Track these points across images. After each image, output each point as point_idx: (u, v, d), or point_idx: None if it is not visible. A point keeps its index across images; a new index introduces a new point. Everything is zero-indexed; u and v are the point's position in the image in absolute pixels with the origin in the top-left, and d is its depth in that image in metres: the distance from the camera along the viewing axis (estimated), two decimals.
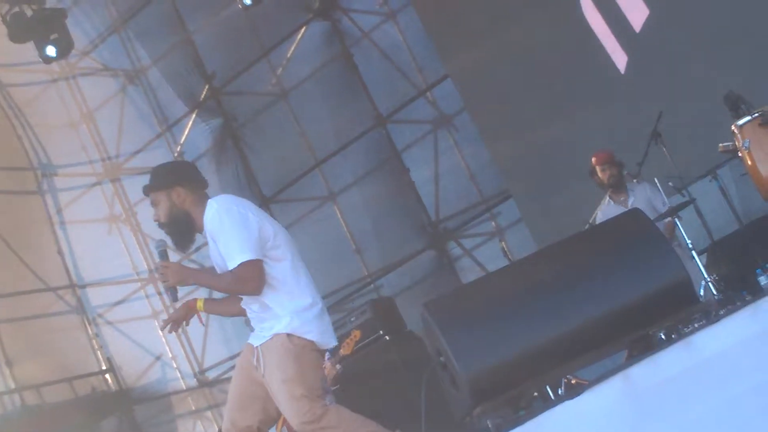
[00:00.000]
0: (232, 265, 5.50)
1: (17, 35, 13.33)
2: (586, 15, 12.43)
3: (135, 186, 17.06)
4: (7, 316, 14.80)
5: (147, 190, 5.75)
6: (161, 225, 5.72)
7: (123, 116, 17.24)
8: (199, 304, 5.86)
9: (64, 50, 13.62)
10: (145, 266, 17.08)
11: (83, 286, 16.13)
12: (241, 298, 5.83)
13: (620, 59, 12.19)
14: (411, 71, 15.35)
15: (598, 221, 9.46)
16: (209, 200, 5.71)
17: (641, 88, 11.86)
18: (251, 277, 5.52)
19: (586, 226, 9.33)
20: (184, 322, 5.87)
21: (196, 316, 5.89)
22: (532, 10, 12.75)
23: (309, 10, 15.63)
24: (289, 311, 5.66)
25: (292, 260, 5.75)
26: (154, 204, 5.74)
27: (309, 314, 5.70)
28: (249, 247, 5.50)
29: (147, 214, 16.63)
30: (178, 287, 5.64)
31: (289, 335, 5.63)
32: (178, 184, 5.67)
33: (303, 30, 15.78)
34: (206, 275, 5.90)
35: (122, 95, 17.33)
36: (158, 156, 17.00)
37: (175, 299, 5.71)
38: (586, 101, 12.35)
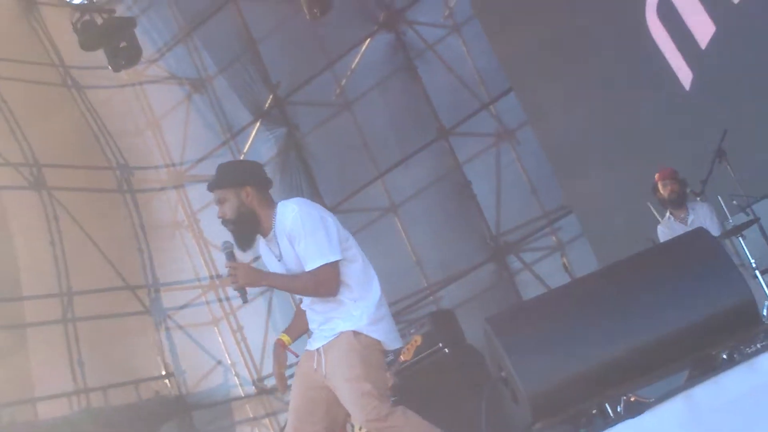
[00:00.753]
0: (311, 266, 5.51)
1: (87, 43, 13.55)
2: (651, 31, 12.39)
3: (198, 193, 17.26)
4: (85, 313, 14.92)
5: (214, 187, 5.72)
6: (226, 222, 5.69)
7: (188, 124, 17.38)
8: (285, 339, 5.89)
9: (132, 59, 13.78)
10: (206, 273, 17.20)
11: (157, 289, 16.24)
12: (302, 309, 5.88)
13: (685, 76, 12.13)
14: (474, 84, 15.38)
15: (660, 238, 9.43)
16: (282, 202, 5.70)
17: (706, 106, 11.79)
18: (330, 279, 5.54)
19: (649, 244, 9.29)
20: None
21: (289, 352, 5.90)
22: (597, 25, 12.75)
23: (374, 22, 15.72)
24: (358, 309, 5.65)
25: (363, 261, 5.76)
26: (220, 201, 5.69)
27: (377, 314, 5.69)
28: (330, 249, 5.51)
29: (209, 221, 16.97)
30: (247, 288, 5.58)
31: (355, 333, 5.62)
32: (247, 183, 5.65)
33: (368, 41, 15.88)
34: (279, 276, 5.71)
35: (187, 103, 17.49)
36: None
37: (245, 300, 5.66)
38: (651, 117, 12.29)
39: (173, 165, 17.49)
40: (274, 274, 5.69)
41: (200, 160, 17.25)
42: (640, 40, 12.37)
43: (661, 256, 5.41)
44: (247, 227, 5.65)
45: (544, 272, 14.64)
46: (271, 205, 5.69)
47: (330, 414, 5.77)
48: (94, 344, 14.89)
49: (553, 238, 15.07)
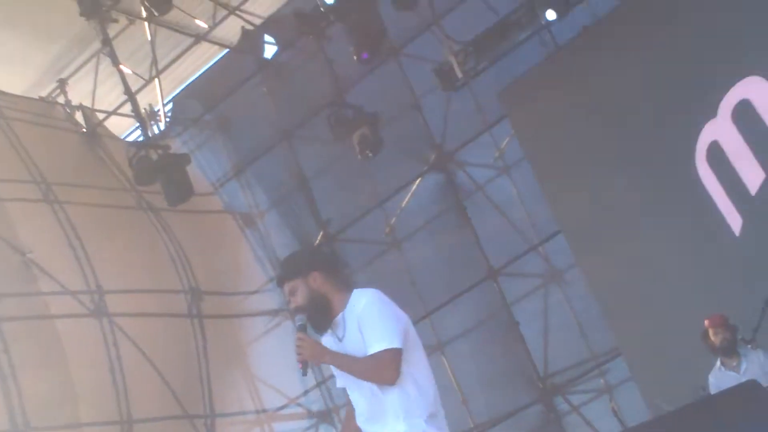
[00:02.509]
0: (374, 349, 5.36)
1: (143, 179, 13.76)
2: (700, 175, 12.46)
3: (246, 327, 17.31)
4: None
5: (283, 279, 5.69)
6: (299, 309, 5.59)
7: (240, 258, 17.52)
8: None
9: (183, 196, 13.86)
10: (253, 407, 17.13)
11: (213, 421, 16.19)
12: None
13: (735, 221, 12.15)
14: (524, 225, 15.46)
15: (711, 388, 9.32)
16: (359, 289, 5.62)
17: (756, 252, 11.77)
18: (390, 364, 5.36)
19: (699, 392, 9.20)
20: None
21: None
22: (645, 169, 12.84)
23: (425, 163, 15.92)
24: (419, 416, 5.43)
25: (426, 367, 5.58)
26: (291, 292, 5.63)
27: (437, 424, 5.49)
28: (396, 335, 5.37)
29: (257, 355, 16.98)
30: (310, 363, 5.49)
31: None
32: (314, 269, 5.60)
33: (418, 181, 16.06)
34: (343, 356, 5.49)
35: (239, 237, 17.66)
36: (272, 298, 17.25)
37: (305, 373, 5.52)
38: (701, 263, 12.29)
39: (224, 294, 17.52)
40: (337, 353, 5.50)
41: (250, 293, 17.33)
42: (689, 183, 12.44)
43: (712, 409, 5.39)
44: (321, 310, 5.56)
45: (592, 415, 14.52)
46: (343, 288, 5.62)
47: None
48: None
49: (602, 380, 14.95)
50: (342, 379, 5.66)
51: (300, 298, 5.56)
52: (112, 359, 14.81)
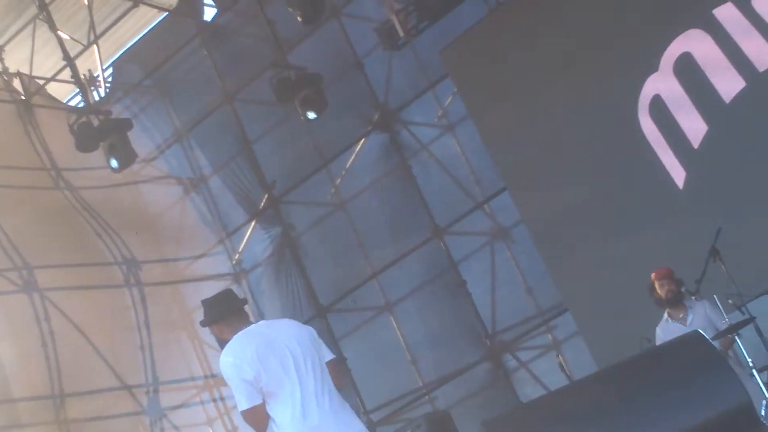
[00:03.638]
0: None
1: (84, 145, 13.61)
2: (643, 128, 12.50)
3: (193, 292, 17.22)
4: (76, 414, 14.79)
5: (201, 324, 6.33)
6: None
7: (183, 223, 17.41)
8: None
9: (126, 161, 13.79)
10: (201, 372, 17.09)
11: (156, 389, 16.10)
12: None
13: (678, 174, 12.21)
14: (469, 183, 15.47)
15: (657, 339, 9.38)
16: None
17: (700, 204, 11.87)
18: (253, 425, 5.97)
19: (644, 344, 9.26)
20: None
21: None
22: (590, 125, 12.86)
23: (368, 122, 15.85)
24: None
25: (285, 394, 5.94)
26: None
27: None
28: (242, 398, 5.90)
29: None
30: None
31: None
32: (212, 323, 6.19)
33: (362, 141, 15.99)
34: None
35: (183, 202, 17.55)
36: (218, 262, 17.18)
37: None
38: (645, 216, 12.35)
39: (166, 261, 17.43)
40: None
41: (196, 258, 17.25)
42: (633, 138, 12.47)
43: (657, 360, 5.41)
44: None
45: (540, 371, 14.60)
46: (239, 327, 6.12)
47: None
48: None
49: (549, 336, 15.03)
50: None
51: (218, 340, 6.22)
52: (44, 334, 14.70)
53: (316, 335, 6.20)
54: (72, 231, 16.06)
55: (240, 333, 6.02)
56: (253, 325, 6.09)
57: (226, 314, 6.18)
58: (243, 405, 5.86)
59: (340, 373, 6.26)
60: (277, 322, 6.28)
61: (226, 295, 6.34)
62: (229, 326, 6.12)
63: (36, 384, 14.48)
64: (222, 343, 6.10)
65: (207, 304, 6.27)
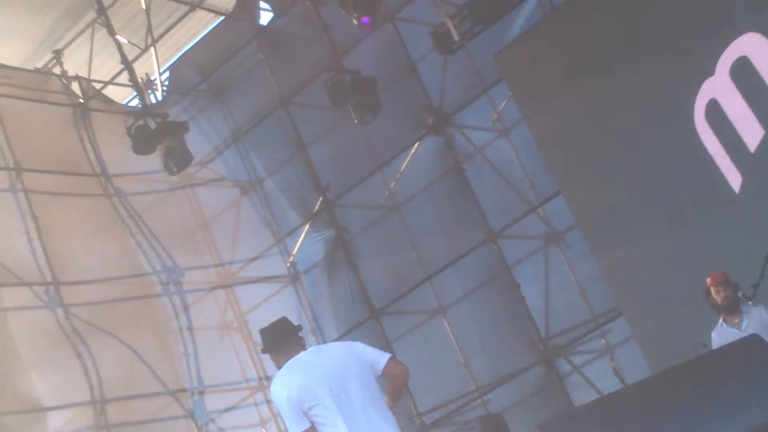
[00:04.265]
0: None
1: (141, 147, 13.73)
2: (699, 134, 12.44)
3: (247, 294, 17.35)
4: (121, 419, 14.94)
5: (262, 351, 6.62)
6: None
7: (238, 225, 17.53)
8: None
9: (183, 163, 13.92)
10: (255, 374, 17.19)
11: (201, 392, 16.21)
12: None
13: (735, 179, 12.13)
14: (523, 187, 15.47)
15: (713, 345, 9.32)
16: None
17: (756, 209, 11.77)
18: None
19: (700, 349, 9.20)
20: None
21: None
22: (645, 129, 12.80)
23: (423, 126, 15.88)
24: None
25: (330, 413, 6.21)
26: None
27: None
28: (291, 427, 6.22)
29: (258, 322, 16.99)
30: None
31: None
32: (269, 352, 6.49)
33: (416, 145, 16.02)
34: None
35: (238, 205, 17.67)
36: (271, 264, 17.28)
37: None
38: (700, 220, 12.28)
39: (222, 265, 17.56)
40: None
41: (251, 260, 17.37)
42: (690, 144, 12.41)
43: (714, 363, 5.39)
44: None
45: (593, 375, 14.55)
46: (290, 356, 6.38)
47: None
48: None
49: (603, 341, 14.99)
50: None
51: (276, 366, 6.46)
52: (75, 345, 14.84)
53: (361, 349, 6.43)
54: (113, 239, 16.17)
55: (289, 362, 6.31)
56: (302, 353, 6.34)
57: (278, 342, 6.45)
58: (293, 430, 6.17)
59: (400, 375, 6.47)
60: (325, 348, 6.55)
61: (280, 324, 6.58)
62: (281, 354, 6.40)
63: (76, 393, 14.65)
64: (279, 369, 6.36)
65: (263, 332, 6.56)
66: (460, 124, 15.82)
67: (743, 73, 12.12)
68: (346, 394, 6.15)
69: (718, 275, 9.42)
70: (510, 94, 15.01)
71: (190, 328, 16.58)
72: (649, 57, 12.82)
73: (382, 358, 6.36)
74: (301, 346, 6.40)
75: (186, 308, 16.65)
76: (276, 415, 16.99)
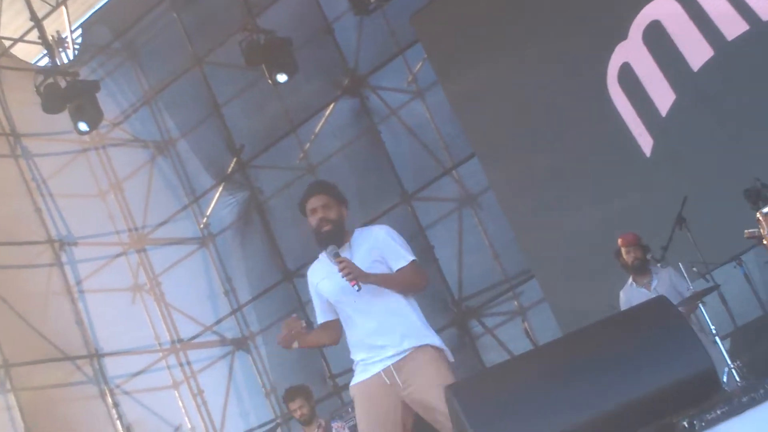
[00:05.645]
0: (403, 263, 6.16)
1: (51, 106, 13.49)
2: (612, 97, 12.54)
3: (160, 256, 17.20)
4: (26, 384, 14.77)
5: (324, 191, 6.39)
6: (328, 221, 6.21)
7: (151, 187, 17.35)
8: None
9: (94, 123, 13.74)
10: (168, 337, 17.08)
11: (102, 356, 16.04)
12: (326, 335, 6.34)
13: (646, 143, 12.28)
14: (438, 149, 15.46)
15: (621, 304, 9.46)
16: (363, 228, 6.40)
17: (667, 173, 11.94)
18: (423, 272, 6.34)
19: (610, 310, 9.32)
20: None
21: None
22: (559, 94, 12.89)
23: (338, 87, 15.80)
24: (428, 329, 6.37)
25: None
26: (325, 206, 6.27)
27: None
28: (413, 254, 6.22)
29: (171, 284, 16.89)
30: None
31: (440, 350, 6.24)
32: (346, 205, 6.39)
33: (332, 106, 15.94)
34: (383, 275, 6.15)
35: (151, 166, 17.48)
36: (184, 227, 17.17)
37: (359, 289, 5.93)
38: (612, 183, 12.41)
39: (135, 229, 17.38)
40: (378, 274, 6.10)
41: (162, 223, 17.20)
42: (602, 105, 12.52)
43: (622, 325, 5.44)
44: (339, 235, 6.21)
45: (505, 337, 14.67)
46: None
47: (400, 421, 6.04)
48: (42, 414, 14.71)
49: (515, 303, 15.10)
50: (350, 308, 6.17)
51: (333, 215, 6.24)
52: None
53: None
54: (17, 202, 15.92)
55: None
56: None
57: None
58: (414, 257, 6.20)
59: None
60: None
61: None
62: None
63: None
64: (340, 223, 6.24)
65: (337, 186, 6.49)
66: (375, 85, 15.75)
67: (656, 37, 12.24)
68: None
69: (629, 236, 9.57)
70: (426, 56, 14.97)
71: (82, 293, 16.36)
72: (564, 20, 12.90)
73: None
74: None
75: (78, 278, 16.43)
76: (188, 378, 16.93)
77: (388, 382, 6.01)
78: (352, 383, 6.23)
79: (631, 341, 5.02)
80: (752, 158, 10.94)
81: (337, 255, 6.02)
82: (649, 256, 9.51)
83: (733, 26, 11.72)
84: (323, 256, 6.25)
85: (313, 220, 6.26)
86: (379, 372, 6.05)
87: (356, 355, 6.20)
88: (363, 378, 6.13)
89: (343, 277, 5.90)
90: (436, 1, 14.23)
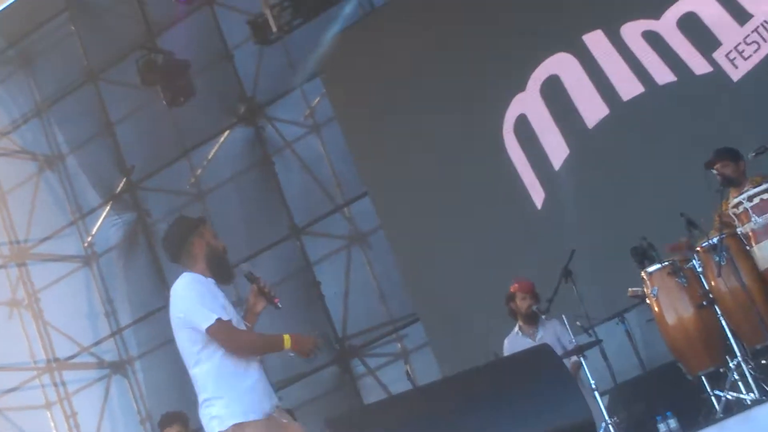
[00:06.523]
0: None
1: None
2: (507, 146, 12.64)
3: (41, 272, 16.82)
4: None
5: None
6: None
7: (36, 201, 16.97)
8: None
9: None
10: (43, 355, 16.66)
11: None
12: None
13: (538, 195, 12.38)
14: (330, 185, 15.41)
15: (505, 352, 9.45)
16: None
17: (556, 225, 12.04)
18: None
19: (494, 357, 9.31)
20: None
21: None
22: (455, 139, 12.94)
23: (234, 115, 15.65)
24: None
25: None
26: None
27: None
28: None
29: (50, 301, 16.51)
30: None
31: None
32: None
33: (226, 134, 15.78)
34: None
35: (37, 179, 17.09)
36: (68, 244, 16.81)
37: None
38: (502, 232, 12.48)
39: (17, 242, 16.96)
40: None
41: (46, 238, 16.82)
42: (498, 156, 12.60)
43: (504, 370, 5.42)
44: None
45: (387, 378, 14.63)
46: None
47: None
48: None
49: (399, 345, 15.08)
50: None
51: None
52: None
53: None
54: None
55: None
56: None
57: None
58: None
59: None
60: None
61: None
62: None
63: None
64: None
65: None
66: (271, 116, 15.64)
67: (553, 91, 12.38)
68: None
69: (526, 283, 9.58)
70: (324, 91, 14.93)
71: None
72: (465, 65, 12.96)
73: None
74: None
75: None
76: (62, 399, 16.54)
77: None
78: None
79: (513, 387, 5.00)
80: (640, 217, 11.09)
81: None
82: (534, 308, 9.50)
83: (629, 87, 11.92)
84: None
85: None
86: None
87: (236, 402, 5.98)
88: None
89: None
90: (339, 36, 14.17)
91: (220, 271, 5.97)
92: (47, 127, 17.02)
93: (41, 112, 16.94)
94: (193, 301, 5.76)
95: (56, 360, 16.61)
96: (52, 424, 16.47)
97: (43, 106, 16.89)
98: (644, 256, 8.58)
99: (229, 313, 5.83)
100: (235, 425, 5.70)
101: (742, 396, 7.57)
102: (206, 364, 5.75)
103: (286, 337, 5.85)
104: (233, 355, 5.76)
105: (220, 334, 5.73)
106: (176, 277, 6.16)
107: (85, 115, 16.43)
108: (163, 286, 15.46)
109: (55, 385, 16.60)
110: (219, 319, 5.69)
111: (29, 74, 17.03)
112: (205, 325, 5.68)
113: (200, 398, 5.82)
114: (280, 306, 5.73)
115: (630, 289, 8.80)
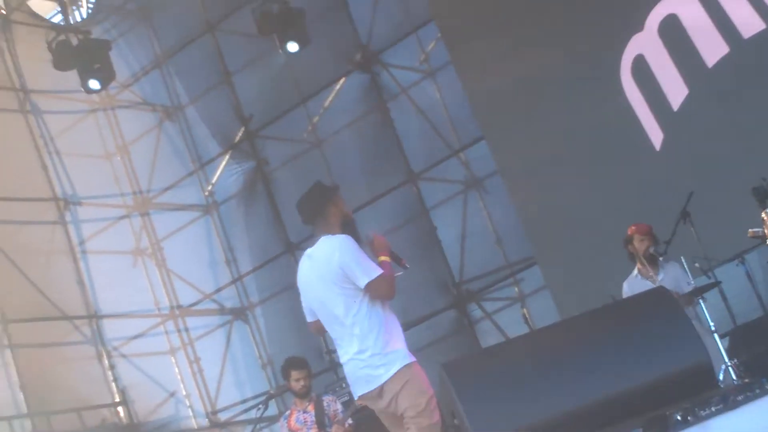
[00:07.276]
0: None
1: (62, 63, 13.37)
2: (625, 88, 12.47)
3: (164, 221, 17.17)
4: (24, 341, 14.76)
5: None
6: None
7: (157, 151, 17.30)
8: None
9: (105, 82, 13.67)
10: (167, 302, 17.05)
11: (101, 317, 16.02)
12: None
13: (656, 136, 12.21)
14: (446, 130, 15.38)
15: (624, 294, 9.37)
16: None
17: (675, 167, 11.87)
18: None
19: (611, 299, 9.26)
20: None
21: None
22: (572, 81, 12.80)
23: (350, 62, 15.72)
24: None
25: None
26: None
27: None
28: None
29: (172, 249, 16.86)
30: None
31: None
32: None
33: (342, 81, 15.87)
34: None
35: (158, 130, 17.41)
36: (189, 193, 17.12)
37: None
38: (620, 174, 12.35)
39: (140, 192, 17.32)
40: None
41: (167, 188, 17.15)
42: (615, 98, 12.44)
43: (621, 313, 5.41)
44: None
45: (504, 322, 14.61)
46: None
47: None
48: (37, 371, 14.72)
49: (516, 289, 15.06)
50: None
51: None
52: None
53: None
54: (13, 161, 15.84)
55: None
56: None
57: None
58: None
59: None
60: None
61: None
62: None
63: None
64: None
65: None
66: (387, 62, 15.67)
67: (671, 30, 12.15)
68: None
69: (643, 226, 9.46)
70: (439, 35, 14.89)
71: (85, 254, 16.32)
72: (581, 7, 12.80)
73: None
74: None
75: (81, 238, 16.40)
76: (185, 345, 16.92)
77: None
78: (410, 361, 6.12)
79: (629, 330, 4.98)
80: (761, 157, 10.87)
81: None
82: (652, 250, 9.40)
83: (750, 25, 11.63)
84: None
85: None
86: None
87: (399, 344, 6.11)
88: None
89: None
90: None
91: (352, 237, 6.13)
92: (167, 78, 17.32)
93: (161, 64, 17.24)
94: (356, 258, 5.97)
95: (179, 307, 16.98)
96: (176, 370, 16.86)
97: (163, 58, 17.17)
98: (766, 196, 8.42)
99: None
100: (406, 366, 6.00)
101: None
102: (368, 315, 5.95)
103: (381, 259, 5.99)
104: (387, 304, 5.97)
105: (383, 284, 5.92)
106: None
107: (203, 65, 16.69)
108: (281, 232, 15.69)
109: (179, 331, 16.99)
110: (382, 274, 5.88)
111: (149, 27, 17.31)
112: (366, 280, 5.87)
113: (353, 348, 6.02)
114: (408, 266, 5.80)
115: (750, 230, 8.63)
